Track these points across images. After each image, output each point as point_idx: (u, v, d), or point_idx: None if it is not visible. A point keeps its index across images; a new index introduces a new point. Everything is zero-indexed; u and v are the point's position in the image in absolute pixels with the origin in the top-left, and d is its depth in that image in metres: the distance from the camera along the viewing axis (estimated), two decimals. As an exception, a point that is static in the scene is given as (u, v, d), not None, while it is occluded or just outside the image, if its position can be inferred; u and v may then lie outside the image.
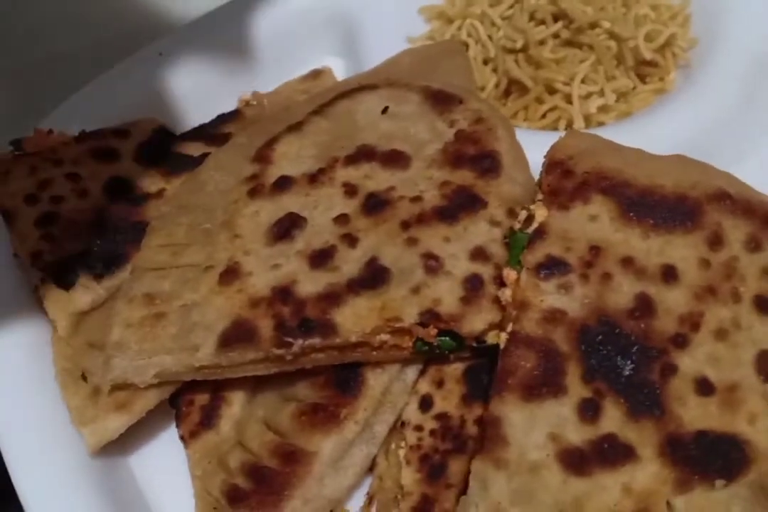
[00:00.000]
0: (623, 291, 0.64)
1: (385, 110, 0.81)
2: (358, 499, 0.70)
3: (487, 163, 0.74)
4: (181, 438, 0.71)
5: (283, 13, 0.97)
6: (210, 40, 0.95)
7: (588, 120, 0.88)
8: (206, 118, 0.92)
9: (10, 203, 0.79)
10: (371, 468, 0.70)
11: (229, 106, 0.95)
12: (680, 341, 0.62)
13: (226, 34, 0.96)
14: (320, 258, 0.70)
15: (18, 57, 1.13)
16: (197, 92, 0.94)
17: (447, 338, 0.67)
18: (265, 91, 0.96)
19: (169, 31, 0.95)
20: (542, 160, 0.72)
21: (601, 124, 0.89)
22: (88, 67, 0.95)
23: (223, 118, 0.91)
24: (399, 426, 0.70)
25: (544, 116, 0.90)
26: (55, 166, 0.81)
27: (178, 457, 0.72)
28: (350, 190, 0.74)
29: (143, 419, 0.70)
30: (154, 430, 0.74)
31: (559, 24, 0.90)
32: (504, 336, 0.64)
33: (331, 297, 0.67)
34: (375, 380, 0.69)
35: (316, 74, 0.98)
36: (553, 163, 0.69)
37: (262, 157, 0.79)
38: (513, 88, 0.91)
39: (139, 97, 0.91)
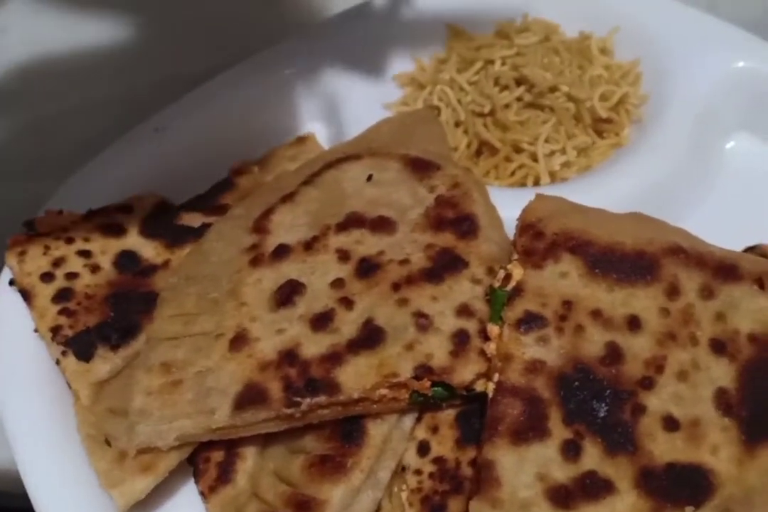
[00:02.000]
0: (594, 341, 0.71)
1: (369, 178, 0.88)
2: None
3: (466, 226, 0.82)
4: (201, 493, 0.77)
5: (266, 85, 1.04)
6: (199, 115, 1.02)
7: (552, 176, 0.97)
8: (201, 187, 0.99)
9: (27, 282, 0.85)
10: (377, 511, 0.77)
11: (221, 174, 1.02)
12: (647, 383, 0.69)
13: (213, 108, 1.03)
14: (321, 322, 0.76)
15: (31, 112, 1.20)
16: (191, 164, 1.00)
17: (440, 388, 0.74)
18: (254, 159, 1.03)
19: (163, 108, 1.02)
20: (514, 215, 0.80)
21: (564, 179, 0.97)
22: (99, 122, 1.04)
23: (218, 188, 0.97)
24: (400, 471, 0.76)
25: (512, 174, 0.98)
26: (67, 244, 0.87)
27: (197, 511, 0.78)
28: (343, 255, 0.81)
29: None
30: (174, 486, 0.80)
31: (522, 88, 0.99)
32: (491, 386, 0.71)
33: (334, 358, 0.74)
34: (376, 430, 0.75)
35: (301, 140, 1.05)
36: (525, 226, 0.77)
37: (260, 227, 0.85)
38: (483, 148, 0.99)
39: (137, 172, 0.97)
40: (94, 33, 1.15)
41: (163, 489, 0.78)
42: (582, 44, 1.04)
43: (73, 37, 1.16)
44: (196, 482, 0.78)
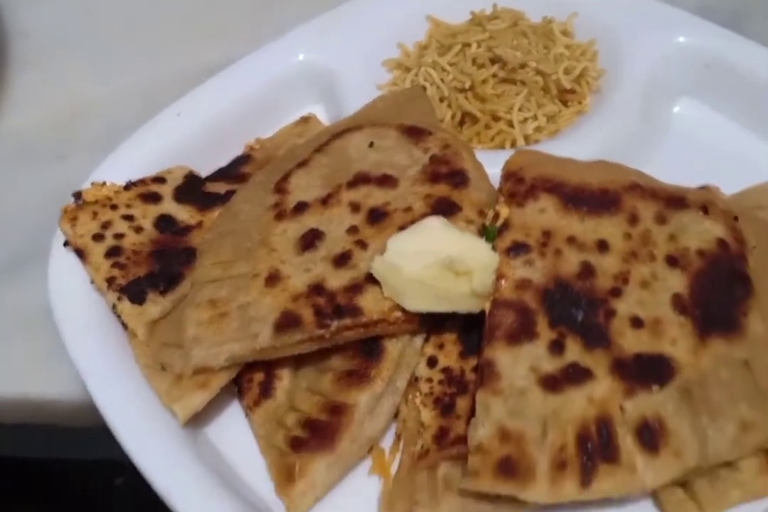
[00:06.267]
0: (571, 261, 0.85)
1: (371, 145, 1.02)
2: (387, 440, 0.89)
3: (458, 178, 0.95)
4: (246, 407, 0.90)
5: (272, 73, 1.19)
6: (216, 100, 1.16)
7: (527, 139, 1.12)
8: (221, 162, 1.13)
9: (81, 242, 0.97)
10: (396, 415, 0.89)
11: (238, 150, 1.15)
12: (616, 292, 0.83)
13: (228, 94, 1.16)
14: (341, 260, 0.90)
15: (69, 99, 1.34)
16: (211, 142, 1.13)
17: (445, 309, 0.88)
18: (266, 137, 1.17)
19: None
20: (498, 172, 0.95)
21: (536, 141, 1.12)
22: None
23: (238, 161, 1.11)
24: (413, 381, 0.88)
25: (492, 139, 1.13)
26: (112, 210, 1.00)
27: (243, 426, 0.91)
28: (355, 207, 0.95)
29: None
30: (221, 404, 0.92)
31: (496, 66, 1.14)
32: (487, 304, 0.85)
33: (355, 288, 0.87)
34: (393, 347, 0.88)
35: (305, 120, 1.19)
36: (508, 174, 0.91)
37: (280, 189, 0.99)
38: (466, 118, 1.14)
39: (166, 150, 1.10)
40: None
41: (213, 406, 0.90)
42: (546, 27, 1.19)
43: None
44: (240, 400, 0.91)
